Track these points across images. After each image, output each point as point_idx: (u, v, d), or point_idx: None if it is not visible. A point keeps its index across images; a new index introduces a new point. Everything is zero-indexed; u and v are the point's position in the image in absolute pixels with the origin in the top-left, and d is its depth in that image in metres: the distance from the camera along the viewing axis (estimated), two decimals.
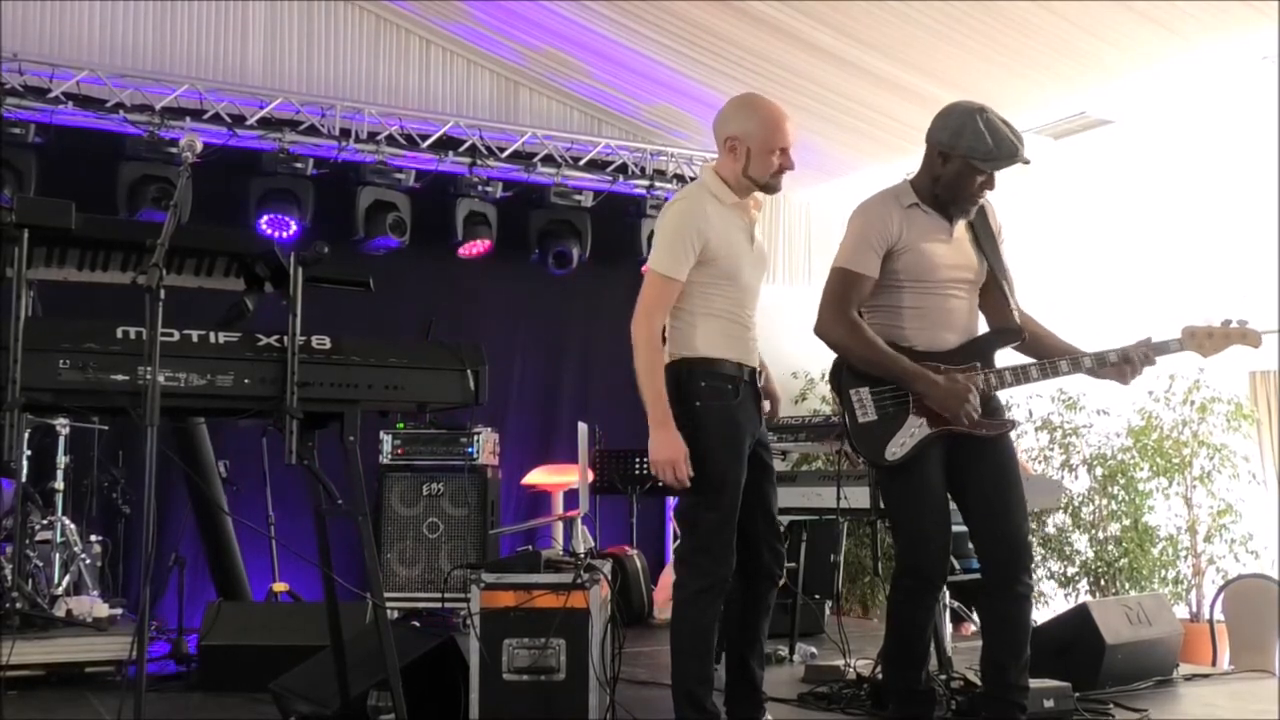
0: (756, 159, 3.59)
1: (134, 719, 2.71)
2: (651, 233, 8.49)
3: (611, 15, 7.56)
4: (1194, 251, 8.52)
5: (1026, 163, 3.47)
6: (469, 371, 3.31)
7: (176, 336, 3.02)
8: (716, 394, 3.53)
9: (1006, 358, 3.63)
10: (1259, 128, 7.14)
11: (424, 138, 8.02)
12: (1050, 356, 3.58)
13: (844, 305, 3.51)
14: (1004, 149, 3.42)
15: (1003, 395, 3.68)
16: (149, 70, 7.44)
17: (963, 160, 3.45)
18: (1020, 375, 3.54)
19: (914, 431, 3.46)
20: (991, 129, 3.42)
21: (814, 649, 5.74)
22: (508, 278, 8.44)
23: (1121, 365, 3.53)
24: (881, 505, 4.62)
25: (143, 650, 2.83)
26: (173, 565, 5.62)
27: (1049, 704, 4.02)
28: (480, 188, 7.99)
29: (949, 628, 4.94)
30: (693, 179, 8.93)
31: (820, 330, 3.56)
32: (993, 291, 3.67)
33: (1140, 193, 8.50)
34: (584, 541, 6.55)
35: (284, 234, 7.29)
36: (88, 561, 5.75)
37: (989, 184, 3.52)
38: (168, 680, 5.00)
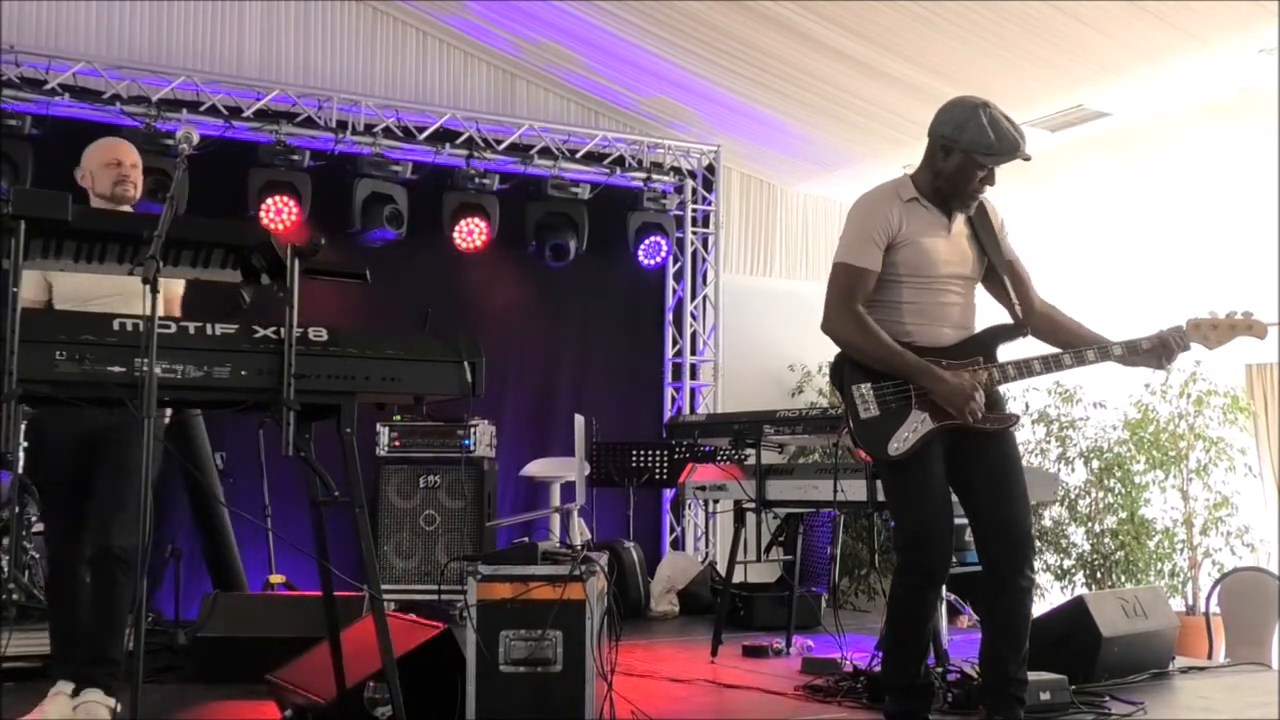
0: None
1: (131, 711, 2.71)
2: (641, 225, 8.53)
3: (608, 8, 7.55)
4: (1191, 245, 8.52)
5: (1027, 158, 3.48)
6: (466, 364, 3.30)
7: (173, 328, 3.00)
8: None
9: (1032, 348, 3.63)
10: (1257, 121, 7.13)
11: (421, 130, 8.01)
12: (1075, 346, 3.58)
13: (849, 301, 3.51)
14: (1005, 144, 3.44)
15: (1000, 388, 3.68)
16: (145, 62, 7.43)
17: (964, 154, 3.46)
18: (1023, 369, 3.54)
19: (916, 427, 3.46)
20: (994, 124, 3.44)
21: (810, 641, 5.75)
22: (505, 270, 8.44)
23: (1158, 349, 3.55)
24: (880, 499, 4.64)
25: (139, 642, 2.82)
26: (169, 557, 5.62)
27: (1045, 696, 4.02)
28: (477, 180, 7.99)
29: (944, 620, 4.94)
30: (690, 172, 9.00)
31: (826, 327, 3.56)
32: (996, 287, 3.67)
33: (1137, 186, 8.49)
34: (580, 534, 6.55)
35: (281, 226, 7.28)
36: None
37: (989, 179, 3.53)
38: (164, 672, 5.00)
